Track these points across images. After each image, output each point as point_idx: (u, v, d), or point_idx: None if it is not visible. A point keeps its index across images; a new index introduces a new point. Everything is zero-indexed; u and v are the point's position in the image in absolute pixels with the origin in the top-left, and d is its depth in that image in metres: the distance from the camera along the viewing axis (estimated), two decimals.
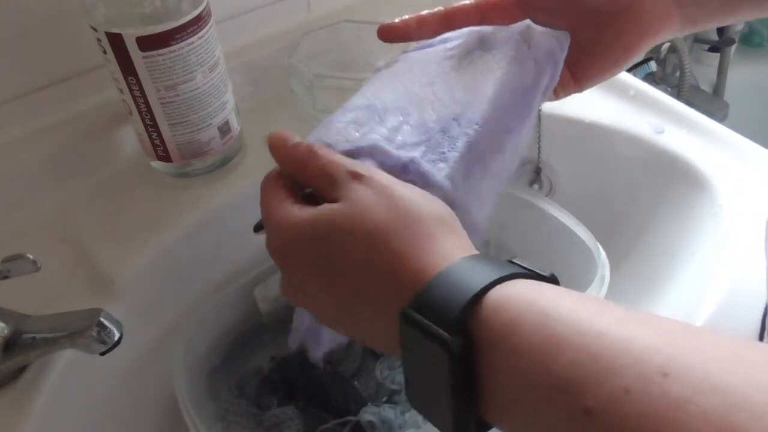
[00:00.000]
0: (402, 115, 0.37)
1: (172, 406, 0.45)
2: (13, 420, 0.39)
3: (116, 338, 0.38)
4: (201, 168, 0.52)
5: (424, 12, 0.42)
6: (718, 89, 1.41)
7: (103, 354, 0.38)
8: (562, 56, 0.38)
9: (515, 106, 0.38)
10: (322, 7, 0.65)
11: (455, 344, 0.24)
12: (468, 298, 0.25)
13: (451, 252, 0.28)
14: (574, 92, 0.41)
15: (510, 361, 0.24)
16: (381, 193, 0.30)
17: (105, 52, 0.45)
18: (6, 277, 0.38)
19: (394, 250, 0.28)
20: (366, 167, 0.32)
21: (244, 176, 0.53)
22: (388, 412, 0.48)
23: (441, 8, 0.42)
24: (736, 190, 0.51)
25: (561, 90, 0.41)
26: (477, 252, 0.29)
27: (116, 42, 0.43)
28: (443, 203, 0.32)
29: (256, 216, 0.56)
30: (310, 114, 0.58)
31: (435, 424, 0.27)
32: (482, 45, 0.40)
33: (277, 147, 0.35)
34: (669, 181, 0.55)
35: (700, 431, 0.18)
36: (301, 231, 0.31)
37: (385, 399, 0.51)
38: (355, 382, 0.51)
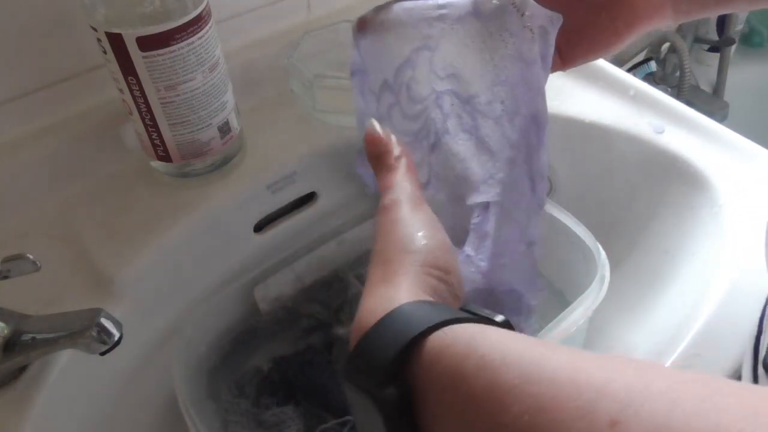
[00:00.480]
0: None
1: (172, 406, 0.45)
2: (13, 420, 0.39)
3: (116, 338, 0.38)
4: (201, 168, 0.52)
5: None
6: (718, 89, 1.41)
7: (103, 354, 0.38)
8: (553, 38, 0.38)
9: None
10: (322, 7, 0.65)
11: (387, 399, 0.24)
12: (403, 344, 0.24)
13: (398, 297, 0.28)
14: (558, 70, 0.41)
15: (455, 411, 0.23)
16: (385, 230, 0.33)
17: (105, 52, 0.45)
18: (6, 277, 0.38)
19: (365, 287, 0.30)
20: (395, 196, 0.35)
21: (244, 176, 0.53)
22: None
23: None
24: (736, 190, 0.51)
25: None
26: (431, 299, 0.28)
27: (116, 42, 0.43)
28: (444, 241, 0.33)
29: (256, 216, 0.56)
30: (310, 114, 0.58)
31: None
32: (476, 10, 0.39)
33: (374, 142, 0.39)
34: (669, 181, 0.55)
35: None
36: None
37: None
38: None
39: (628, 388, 0.19)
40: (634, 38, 0.38)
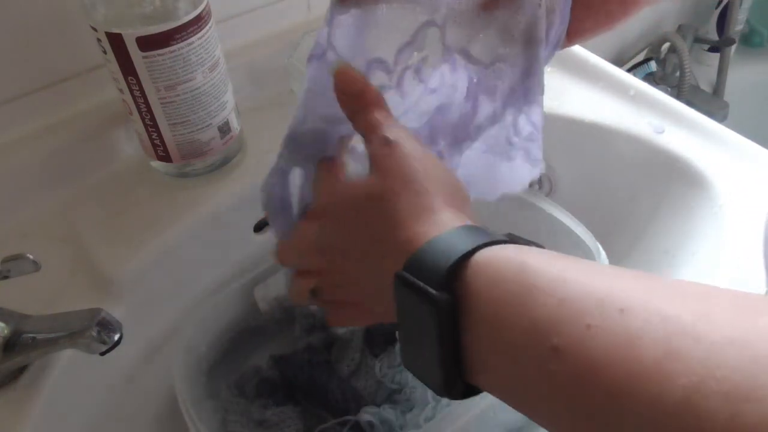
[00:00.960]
0: None
1: (172, 406, 0.45)
2: (13, 420, 0.39)
3: (116, 338, 0.38)
4: (201, 168, 0.52)
5: None
6: (718, 89, 1.41)
7: (103, 354, 0.38)
8: (567, 8, 0.38)
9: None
10: (322, 7, 0.64)
11: (442, 300, 0.27)
12: (454, 260, 0.27)
13: (445, 222, 0.31)
14: (563, 47, 0.41)
15: (490, 310, 0.26)
16: (401, 165, 0.33)
17: (105, 52, 0.45)
18: (6, 277, 0.38)
19: (394, 219, 0.31)
20: (396, 133, 0.34)
21: (244, 176, 0.53)
22: (388, 412, 0.48)
23: None
24: (736, 190, 0.51)
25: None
26: (474, 223, 0.31)
27: (116, 42, 0.43)
28: (456, 179, 0.35)
29: (256, 216, 0.56)
30: None
31: (427, 383, 0.29)
32: None
33: (345, 81, 0.36)
34: (669, 181, 0.55)
35: (649, 357, 0.20)
36: (345, 196, 0.36)
37: (385, 398, 0.51)
38: (354, 382, 0.51)
39: (634, 287, 0.23)
40: (639, 12, 0.38)
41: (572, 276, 0.25)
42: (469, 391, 0.28)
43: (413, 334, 0.29)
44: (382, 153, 0.34)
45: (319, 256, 0.37)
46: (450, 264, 0.27)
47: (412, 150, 0.34)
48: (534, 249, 0.28)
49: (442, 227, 0.30)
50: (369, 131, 0.35)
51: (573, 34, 0.40)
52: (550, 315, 0.24)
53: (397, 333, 0.31)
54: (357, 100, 0.36)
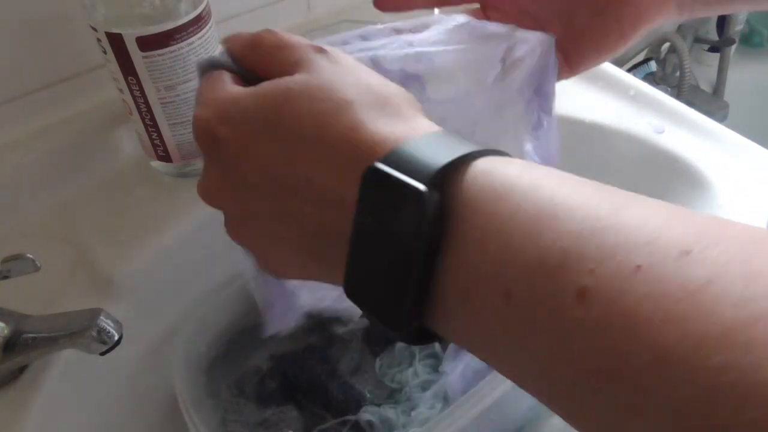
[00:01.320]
0: None
1: (172, 406, 0.45)
2: (13, 420, 0.39)
3: (116, 338, 0.38)
4: (201, 168, 0.52)
5: None
6: (718, 89, 1.41)
7: (103, 354, 0.38)
8: (552, 60, 0.38)
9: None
10: (322, 7, 0.65)
11: (430, 200, 0.20)
12: (451, 158, 0.21)
13: (425, 126, 0.25)
14: (567, 77, 0.41)
15: (491, 228, 0.20)
16: (348, 69, 0.26)
17: (105, 52, 0.45)
18: (6, 277, 0.38)
19: (359, 119, 0.24)
20: (332, 48, 0.28)
21: None
22: (388, 411, 0.48)
23: None
24: (736, 190, 0.51)
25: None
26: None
27: (116, 42, 0.43)
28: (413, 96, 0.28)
29: None
30: None
31: (377, 315, 0.23)
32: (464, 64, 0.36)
33: (232, 38, 0.29)
34: (669, 181, 0.55)
35: (718, 315, 0.15)
36: (246, 103, 0.26)
37: (385, 397, 0.51)
38: (355, 382, 0.51)
39: (695, 225, 0.18)
40: (639, 38, 0.38)
41: (608, 206, 0.19)
42: (423, 333, 0.22)
43: (374, 248, 0.22)
44: (318, 59, 0.26)
45: (224, 191, 0.29)
46: (444, 163, 0.21)
47: (355, 61, 0.28)
48: (547, 167, 0.22)
49: (420, 130, 0.24)
50: (288, 45, 0.27)
51: (576, 64, 0.39)
52: (580, 247, 0.18)
53: (348, 249, 0.23)
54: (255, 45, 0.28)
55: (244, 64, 0.29)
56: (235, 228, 0.30)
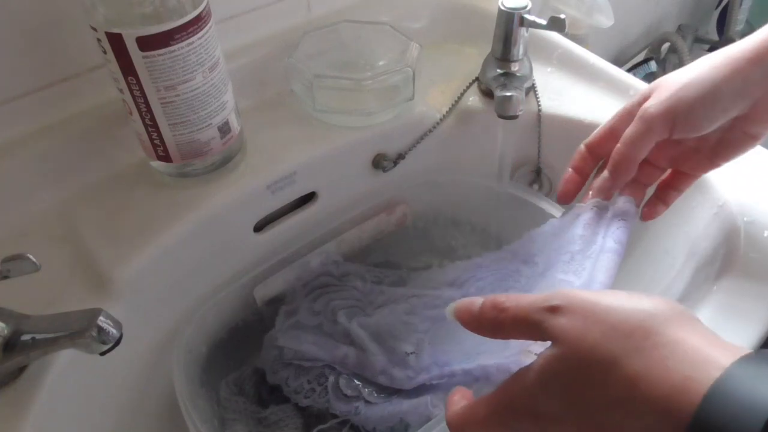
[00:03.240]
0: None
1: (172, 405, 0.45)
2: (13, 420, 0.39)
3: (116, 338, 0.38)
4: (201, 168, 0.52)
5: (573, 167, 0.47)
6: None
7: (103, 354, 0.38)
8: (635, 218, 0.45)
9: None
10: (322, 7, 0.65)
11: None
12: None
13: (706, 355, 0.23)
14: (707, 170, 0.45)
15: None
16: (587, 316, 0.27)
17: (105, 52, 0.45)
18: (6, 277, 0.38)
19: (632, 377, 0.24)
20: (558, 294, 0.29)
21: (244, 176, 0.53)
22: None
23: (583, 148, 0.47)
24: (736, 190, 0.51)
25: (699, 170, 0.45)
26: (741, 348, 0.24)
27: (116, 42, 0.43)
28: (665, 298, 0.27)
29: (256, 216, 0.56)
30: (310, 114, 0.58)
31: None
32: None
33: (465, 319, 0.32)
34: None
35: None
36: (522, 398, 0.28)
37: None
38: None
39: None
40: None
41: None
42: None
43: None
44: (556, 323, 0.27)
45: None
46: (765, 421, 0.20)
47: (586, 297, 0.27)
48: None
49: (710, 366, 0.23)
50: (524, 318, 0.29)
51: (715, 163, 0.43)
52: None
53: None
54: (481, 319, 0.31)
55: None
56: None
